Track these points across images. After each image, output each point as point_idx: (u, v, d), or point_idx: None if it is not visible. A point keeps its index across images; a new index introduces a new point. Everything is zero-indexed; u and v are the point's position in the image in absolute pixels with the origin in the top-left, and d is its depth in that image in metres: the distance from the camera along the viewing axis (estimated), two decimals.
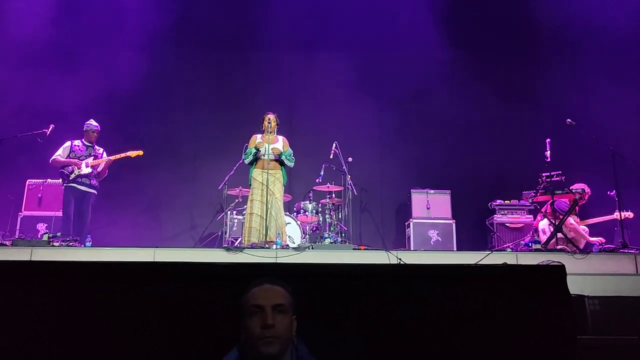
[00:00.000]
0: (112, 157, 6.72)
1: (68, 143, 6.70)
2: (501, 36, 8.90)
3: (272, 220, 5.85)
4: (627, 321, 3.58)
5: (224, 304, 2.25)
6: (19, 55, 8.26)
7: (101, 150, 6.84)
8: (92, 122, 6.83)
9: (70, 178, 6.54)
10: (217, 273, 2.46)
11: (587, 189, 6.61)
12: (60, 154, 6.62)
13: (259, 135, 6.19)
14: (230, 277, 2.39)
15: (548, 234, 6.32)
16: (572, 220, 6.40)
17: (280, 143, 6.20)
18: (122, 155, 6.70)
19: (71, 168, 6.56)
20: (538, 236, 6.52)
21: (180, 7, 8.77)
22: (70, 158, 6.61)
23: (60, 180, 6.70)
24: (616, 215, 6.32)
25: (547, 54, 8.89)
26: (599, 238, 6.46)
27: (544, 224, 6.59)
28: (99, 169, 6.71)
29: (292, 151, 6.25)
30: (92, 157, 6.69)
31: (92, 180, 6.66)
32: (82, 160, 6.61)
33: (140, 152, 6.81)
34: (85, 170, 6.58)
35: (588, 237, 6.45)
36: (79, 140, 6.77)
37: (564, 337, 2.31)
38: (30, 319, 2.26)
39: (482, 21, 8.94)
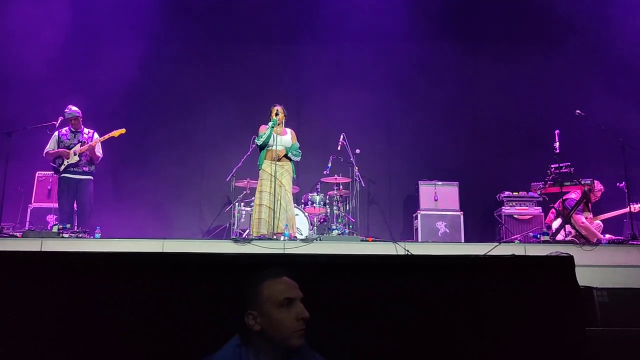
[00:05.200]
0: (94, 142, 6.54)
1: (56, 134, 6.62)
2: (509, 26, 8.83)
3: (283, 212, 5.87)
4: (635, 313, 3.57)
5: (233, 294, 2.25)
6: (25, 47, 8.29)
7: (91, 132, 6.71)
8: (71, 107, 6.67)
9: (61, 170, 6.50)
10: (229, 262, 2.46)
11: (600, 185, 6.56)
12: (50, 146, 6.58)
13: (267, 126, 6.18)
14: (240, 268, 2.39)
15: (562, 232, 6.29)
16: (583, 218, 6.36)
17: (288, 136, 6.20)
18: (106, 136, 6.55)
19: (61, 159, 6.51)
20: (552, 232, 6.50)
21: (189, 1, 8.76)
22: (60, 148, 6.55)
23: (53, 172, 6.67)
24: (633, 208, 6.27)
25: (556, 44, 8.80)
26: (610, 236, 6.42)
27: (557, 223, 6.55)
28: (90, 153, 6.58)
29: (298, 144, 6.25)
30: (80, 144, 6.57)
31: (83, 168, 6.54)
32: (71, 148, 6.54)
33: (123, 130, 6.60)
34: (74, 158, 6.49)
35: (600, 234, 6.41)
36: (65, 129, 6.67)
37: (572, 329, 2.30)
38: (41, 309, 2.28)
39: (489, 10, 8.87)
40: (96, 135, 6.66)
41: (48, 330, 2.26)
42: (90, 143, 6.57)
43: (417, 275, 2.40)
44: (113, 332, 2.26)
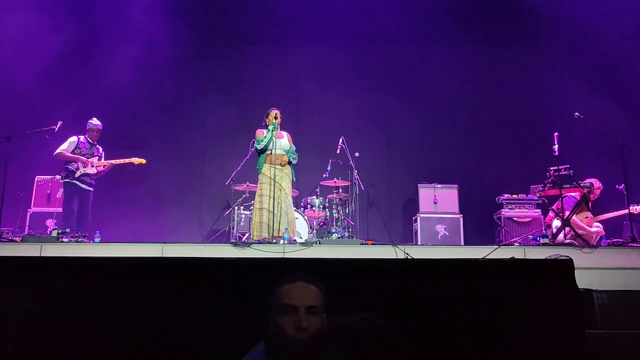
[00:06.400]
0: (115, 162, 6.79)
1: (75, 138, 6.74)
2: (507, 28, 8.84)
3: (284, 215, 5.88)
4: (635, 315, 3.57)
5: (237, 299, 2.25)
6: (24, 52, 8.29)
7: (101, 149, 6.91)
8: (95, 120, 6.87)
9: (76, 176, 6.59)
10: (227, 267, 2.47)
11: (598, 183, 6.56)
12: (65, 148, 6.65)
13: (264, 131, 6.19)
14: (243, 272, 2.40)
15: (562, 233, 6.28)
16: (575, 217, 6.36)
17: (285, 139, 6.23)
18: (126, 160, 6.79)
19: (77, 165, 6.59)
20: (551, 233, 6.48)
21: (185, 3, 8.77)
22: (75, 154, 6.65)
23: (62, 175, 6.72)
24: (632, 209, 6.28)
25: (553, 47, 8.81)
26: (598, 229, 6.40)
27: (557, 223, 6.54)
28: (99, 169, 6.77)
29: (294, 147, 6.28)
30: (97, 157, 6.76)
31: (92, 180, 6.75)
32: (89, 159, 6.67)
33: (143, 161, 6.89)
34: (91, 170, 6.66)
35: (590, 229, 6.38)
36: (83, 137, 6.81)
37: (572, 332, 2.30)
38: (40, 315, 2.28)
39: (488, 13, 8.89)
40: (104, 155, 6.88)
41: (47, 334, 2.25)
42: (111, 162, 6.78)
43: (417, 279, 2.40)
44: (113, 336, 2.25)
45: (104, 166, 6.77)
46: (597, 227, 6.55)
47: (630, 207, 6.20)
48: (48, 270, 2.40)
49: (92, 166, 6.65)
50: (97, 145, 6.89)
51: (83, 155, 6.68)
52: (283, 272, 1.96)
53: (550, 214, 6.90)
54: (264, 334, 1.92)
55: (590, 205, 6.62)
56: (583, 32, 8.46)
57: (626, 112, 8.08)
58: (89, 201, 6.73)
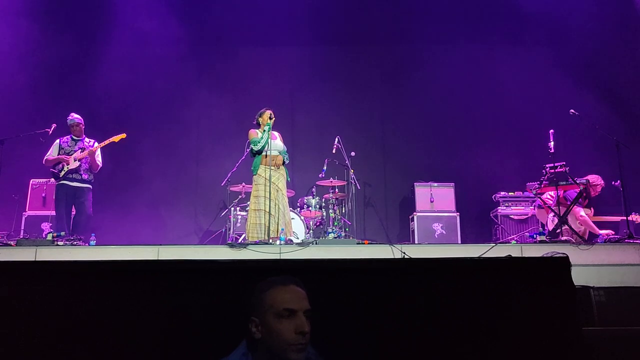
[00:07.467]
0: (95, 147, 6.54)
1: (57, 141, 6.63)
2: (503, 26, 8.84)
3: (282, 216, 5.87)
4: (633, 312, 3.57)
5: (230, 301, 2.24)
6: (17, 55, 8.26)
7: (92, 142, 6.71)
8: (73, 115, 6.71)
9: (61, 175, 6.47)
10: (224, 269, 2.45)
11: (600, 180, 6.54)
12: (50, 153, 6.57)
13: (258, 131, 6.16)
14: (236, 274, 2.38)
15: (554, 222, 6.27)
16: (582, 212, 6.34)
17: (278, 139, 6.21)
18: (106, 142, 6.54)
19: (61, 165, 6.49)
20: (545, 226, 6.47)
21: (178, 3, 8.74)
22: (60, 155, 6.54)
23: (53, 179, 6.65)
24: (633, 217, 6.29)
25: (549, 44, 8.83)
26: (609, 231, 6.40)
27: (551, 215, 6.53)
28: (89, 161, 6.58)
29: (285, 147, 6.26)
30: (81, 150, 6.58)
31: (83, 175, 6.54)
32: (71, 155, 6.55)
33: (123, 135, 6.61)
34: (74, 164, 6.48)
35: (597, 229, 6.39)
36: (67, 136, 6.69)
37: (569, 329, 2.30)
38: (36, 320, 2.26)
39: (483, 11, 8.89)
40: (97, 145, 6.67)
41: (42, 340, 2.24)
42: (90, 148, 6.55)
43: (414, 279, 2.39)
44: (108, 340, 2.24)
45: (90, 154, 6.53)
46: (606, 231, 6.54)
47: (632, 216, 6.21)
48: (43, 274, 2.38)
49: (75, 160, 6.49)
50: (85, 140, 6.71)
51: (67, 153, 6.54)
52: (281, 274, 1.94)
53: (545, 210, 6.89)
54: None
55: (590, 201, 6.60)
56: (575, 29, 8.49)
57: (621, 108, 8.09)
58: (84, 198, 6.51)
